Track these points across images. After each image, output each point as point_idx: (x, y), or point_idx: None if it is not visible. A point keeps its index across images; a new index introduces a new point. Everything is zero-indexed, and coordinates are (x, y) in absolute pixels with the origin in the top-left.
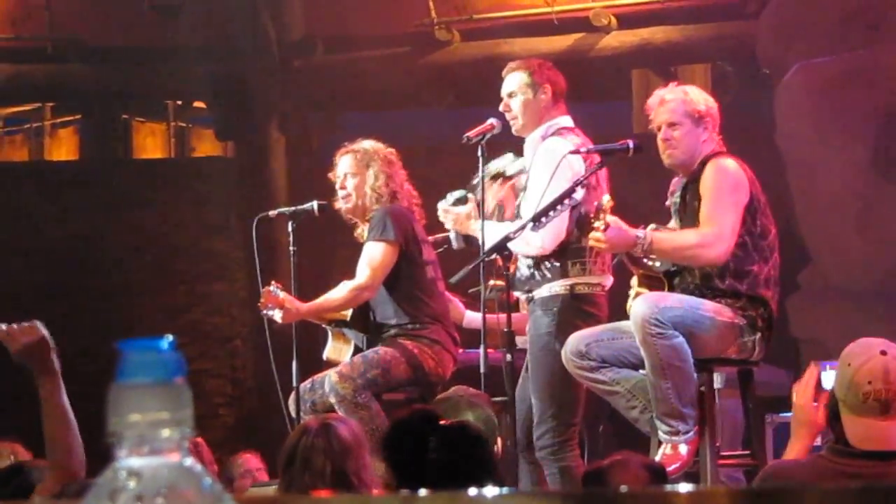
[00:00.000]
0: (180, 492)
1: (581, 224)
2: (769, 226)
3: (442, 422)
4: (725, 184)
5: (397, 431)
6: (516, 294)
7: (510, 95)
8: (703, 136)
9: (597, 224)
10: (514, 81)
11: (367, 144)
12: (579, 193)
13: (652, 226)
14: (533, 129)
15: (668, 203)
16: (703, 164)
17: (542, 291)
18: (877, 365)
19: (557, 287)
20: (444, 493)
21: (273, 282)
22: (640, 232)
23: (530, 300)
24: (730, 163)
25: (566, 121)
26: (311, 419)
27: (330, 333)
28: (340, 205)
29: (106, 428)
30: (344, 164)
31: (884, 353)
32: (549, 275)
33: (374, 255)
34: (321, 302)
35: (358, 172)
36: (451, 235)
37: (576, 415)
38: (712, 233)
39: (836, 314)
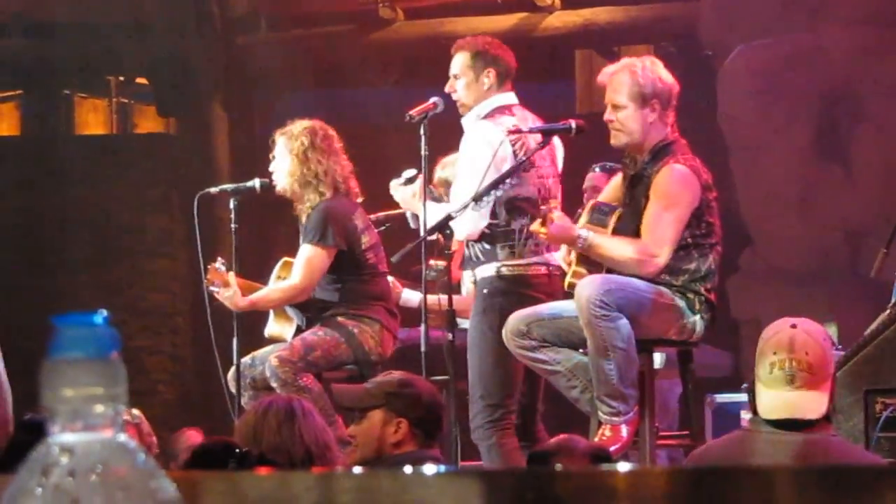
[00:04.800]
0: (114, 468)
1: (510, 208)
2: (714, 222)
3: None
4: (674, 195)
5: (197, 460)
6: (466, 274)
7: (455, 77)
8: (649, 119)
9: (539, 219)
10: (458, 62)
11: (293, 128)
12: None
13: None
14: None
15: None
16: (655, 157)
17: (479, 272)
18: (784, 337)
19: (489, 269)
20: (384, 471)
21: (218, 258)
22: (582, 231)
23: (474, 281)
24: (684, 171)
25: (504, 98)
26: (273, 397)
27: (271, 311)
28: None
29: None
30: (275, 146)
31: (794, 326)
32: (481, 257)
33: (310, 259)
34: (257, 299)
35: (282, 158)
36: (408, 215)
37: (506, 396)
38: (649, 250)
39: (776, 295)
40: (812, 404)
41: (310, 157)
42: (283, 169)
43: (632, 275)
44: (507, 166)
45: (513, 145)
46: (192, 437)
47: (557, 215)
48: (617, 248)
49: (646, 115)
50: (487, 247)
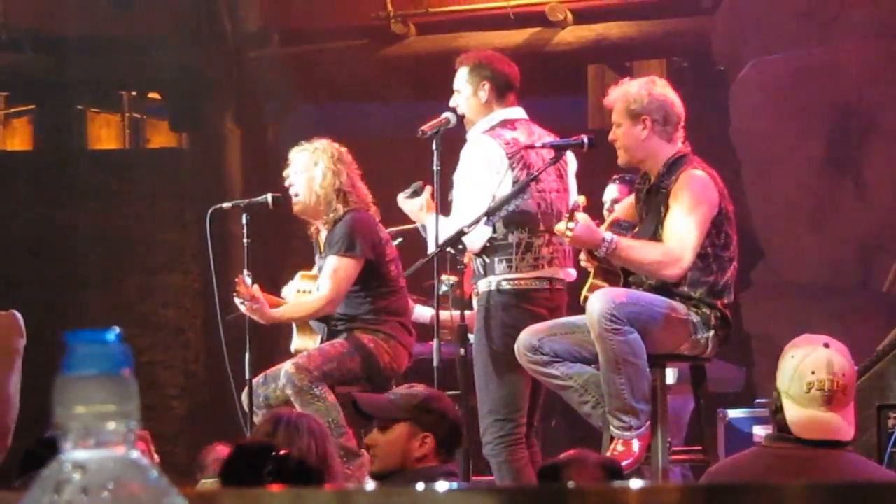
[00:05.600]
0: (126, 485)
1: (508, 221)
2: (732, 235)
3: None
4: (695, 199)
5: (235, 462)
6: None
7: (457, 92)
8: (641, 135)
9: (566, 215)
10: (458, 78)
11: (318, 143)
12: (505, 189)
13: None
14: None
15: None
16: (670, 169)
17: (480, 286)
18: (820, 356)
19: (488, 283)
20: (397, 488)
21: (245, 270)
22: (607, 235)
23: (477, 294)
24: (703, 176)
25: (508, 113)
26: (281, 409)
27: (294, 325)
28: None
29: (52, 419)
30: (293, 162)
31: (827, 345)
32: (482, 271)
33: (338, 271)
34: (284, 311)
35: (305, 171)
36: (419, 226)
37: (514, 411)
38: (675, 253)
39: (788, 310)
40: (846, 426)
41: (340, 168)
42: (313, 180)
43: (655, 279)
44: (503, 179)
45: (509, 159)
46: (223, 452)
47: (583, 217)
48: (641, 251)
49: (637, 131)
50: (486, 260)
